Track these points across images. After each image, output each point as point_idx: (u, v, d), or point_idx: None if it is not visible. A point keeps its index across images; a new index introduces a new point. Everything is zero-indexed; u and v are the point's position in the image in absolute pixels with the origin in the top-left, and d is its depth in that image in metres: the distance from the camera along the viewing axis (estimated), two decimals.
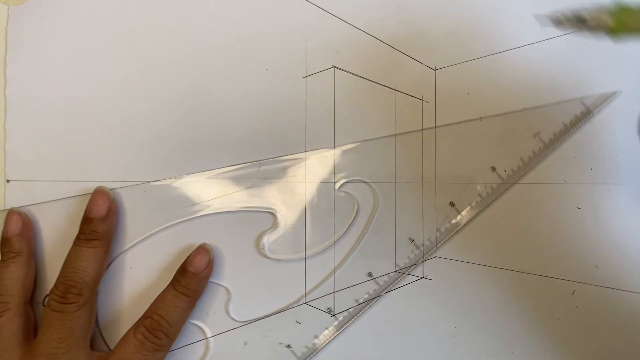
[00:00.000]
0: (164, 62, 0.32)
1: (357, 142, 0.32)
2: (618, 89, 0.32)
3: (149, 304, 0.30)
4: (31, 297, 0.31)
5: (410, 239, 0.32)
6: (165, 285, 0.30)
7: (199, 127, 0.32)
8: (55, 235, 0.31)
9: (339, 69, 0.32)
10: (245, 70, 0.32)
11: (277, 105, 0.32)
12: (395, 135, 0.32)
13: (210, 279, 0.31)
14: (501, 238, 0.32)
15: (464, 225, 0.32)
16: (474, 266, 0.32)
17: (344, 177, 0.32)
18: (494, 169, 0.32)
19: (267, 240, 0.32)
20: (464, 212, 0.32)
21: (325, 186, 0.32)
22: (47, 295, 0.30)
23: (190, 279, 0.30)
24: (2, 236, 0.30)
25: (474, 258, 0.32)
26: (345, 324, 0.32)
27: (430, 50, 0.32)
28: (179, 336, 0.30)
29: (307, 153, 0.32)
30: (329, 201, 0.32)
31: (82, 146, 0.32)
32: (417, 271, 0.32)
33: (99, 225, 0.30)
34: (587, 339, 0.32)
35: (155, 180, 0.32)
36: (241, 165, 0.32)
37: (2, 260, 0.30)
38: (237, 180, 0.32)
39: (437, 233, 0.32)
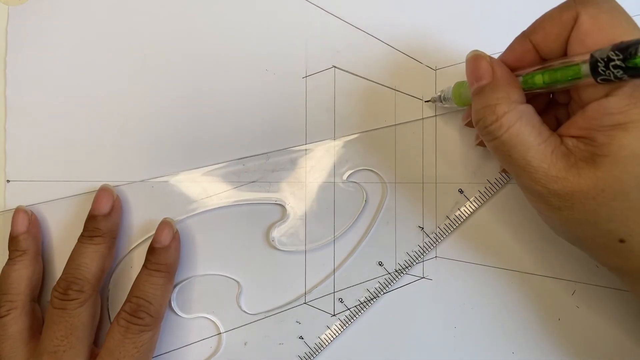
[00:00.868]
0: (164, 62, 0.32)
1: (362, 131, 0.32)
2: None
3: None
4: (39, 294, 0.31)
5: (419, 227, 0.32)
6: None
7: (200, 126, 0.32)
8: (64, 233, 0.31)
9: (339, 69, 0.32)
10: (245, 70, 0.32)
11: (277, 105, 0.32)
12: (396, 125, 0.32)
13: (221, 273, 0.31)
14: (501, 238, 0.32)
15: (474, 212, 0.32)
16: (474, 266, 0.32)
17: (351, 168, 0.32)
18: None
19: (276, 232, 0.32)
20: (472, 199, 0.32)
21: (333, 177, 0.32)
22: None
23: (159, 255, 0.30)
24: (10, 234, 0.30)
25: (474, 258, 0.32)
26: (352, 318, 0.32)
27: (430, 50, 0.32)
28: (191, 330, 0.31)
29: (315, 144, 0.32)
30: (337, 192, 0.32)
31: (82, 146, 0.32)
32: (417, 271, 0.32)
33: (102, 222, 0.30)
34: (587, 339, 0.32)
35: (161, 176, 0.32)
36: (248, 158, 0.32)
37: (9, 258, 0.30)
38: (244, 173, 0.32)
39: (447, 220, 0.32)
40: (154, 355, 0.30)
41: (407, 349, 0.32)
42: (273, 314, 0.32)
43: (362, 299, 0.32)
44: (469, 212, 0.32)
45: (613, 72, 0.20)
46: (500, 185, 0.32)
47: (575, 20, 0.22)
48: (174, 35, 0.32)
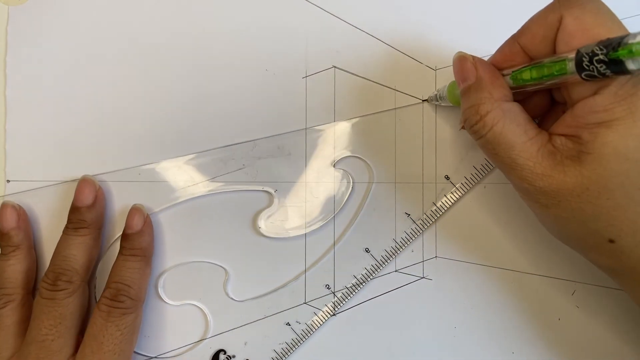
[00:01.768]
0: (164, 62, 0.32)
1: (349, 119, 0.32)
2: None
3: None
4: (33, 287, 0.31)
5: (406, 213, 0.32)
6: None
7: (199, 127, 0.32)
8: (51, 222, 0.31)
9: (339, 69, 0.32)
10: (245, 70, 0.32)
11: (277, 106, 0.32)
12: (385, 111, 0.32)
13: (208, 260, 0.32)
14: (501, 238, 0.32)
15: (460, 198, 0.32)
16: (474, 266, 0.32)
17: (339, 155, 0.32)
18: None
19: (263, 219, 0.32)
20: (458, 185, 0.32)
21: (320, 164, 0.32)
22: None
23: (133, 240, 0.30)
24: None
25: (474, 258, 0.32)
26: (343, 301, 0.32)
27: (430, 50, 0.32)
28: (179, 315, 0.31)
29: (302, 131, 0.32)
30: (323, 179, 0.32)
31: (82, 146, 0.32)
32: (417, 271, 0.32)
33: (87, 213, 0.30)
34: (587, 339, 0.32)
35: (147, 164, 0.32)
36: (236, 146, 0.32)
37: (2, 253, 0.30)
38: (231, 160, 0.32)
39: (433, 207, 0.32)
40: (137, 340, 0.30)
41: (407, 349, 0.32)
42: (261, 321, 0.32)
43: (348, 285, 0.32)
44: (455, 199, 0.32)
45: (597, 67, 0.20)
46: (486, 172, 0.32)
47: (560, 21, 0.23)
48: (174, 35, 0.32)
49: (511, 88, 0.25)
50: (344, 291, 0.32)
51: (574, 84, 0.23)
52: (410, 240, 0.32)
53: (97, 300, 0.29)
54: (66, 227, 0.30)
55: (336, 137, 0.32)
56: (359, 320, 0.32)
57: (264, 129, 0.32)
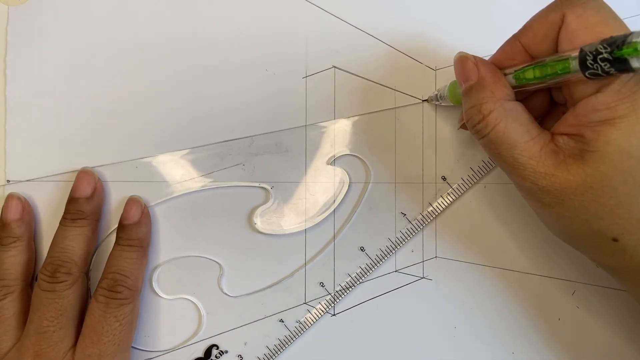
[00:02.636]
0: (164, 62, 0.32)
1: (348, 117, 0.32)
2: None
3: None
4: (31, 280, 0.31)
5: (402, 213, 0.32)
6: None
7: (198, 127, 0.32)
8: (50, 216, 0.31)
9: (339, 69, 0.32)
10: (245, 70, 0.32)
11: (277, 106, 0.32)
12: (384, 110, 0.32)
13: (203, 255, 0.32)
14: (501, 238, 0.32)
15: (456, 199, 0.32)
16: (474, 266, 0.32)
17: (336, 153, 0.32)
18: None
19: (259, 215, 0.32)
20: (455, 186, 0.32)
21: (317, 162, 0.32)
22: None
23: (130, 230, 0.30)
24: (1, 221, 0.30)
25: (474, 258, 0.32)
26: (337, 298, 0.32)
27: (430, 50, 0.32)
28: (171, 309, 0.31)
29: (300, 128, 0.32)
30: (320, 177, 0.32)
31: (82, 146, 0.32)
32: (417, 271, 0.32)
33: (85, 204, 0.30)
34: (587, 339, 0.32)
35: (145, 157, 0.32)
36: (233, 141, 0.32)
37: (2, 245, 0.30)
38: (228, 156, 0.32)
39: (430, 207, 0.32)
40: (135, 333, 0.31)
41: (407, 349, 0.32)
42: (260, 321, 0.32)
43: (343, 284, 0.32)
44: (451, 200, 0.32)
45: (601, 66, 0.20)
46: (484, 173, 0.32)
47: (562, 20, 0.23)
48: (174, 35, 0.32)
49: (513, 87, 0.25)
50: (338, 289, 0.32)
51: (576, 83, 0.23)
52: (406, 240, 0.32)
53: (90, 289, 0.29)
54: (63, 218, 0.30)
55: (335, 135, 0.32)
56: (358, 320, 0.32)
57: (263, 129, 0.32)
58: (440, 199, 0.32)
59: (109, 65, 0.32)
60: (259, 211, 0.32)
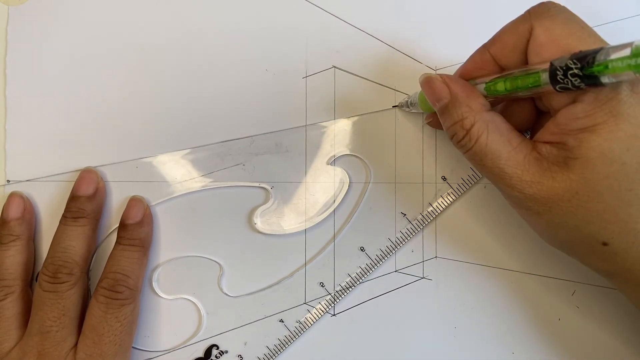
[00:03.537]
0: (164, 62, 0.32)
1: (349, 117, 0.32)
2: None
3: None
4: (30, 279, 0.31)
5: (402, 213, 0.32)
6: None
7: (198, 126, 0.32)
8: (49, 215, 0.31)
9: (339, 69, 0.32)
10: (245, 70, 0.32)
11: (277, 106, 0.32)
12: (384, 110, 0.32)
13: (203, 255, 0.32)
14: (501, 238, 0.32)
15: (456, 199, 0.32)
16: (474, 266, 0.32)
17: (337, 153, 0.32)
18: None
19: (259, 215, 0.32)
20: (455, 186, 0.32)
21: (318, 162, 0.32)
22: (38, 274, 0.30)
23: (132, 230, 0.30)
24: (2, 219, 0.30)
25: (474, 258, 0.32)
26: (337, 298, 0.32)
27: (430, 50, 0.32)
28: (171, 309, 0.31)
29: (299, 128, 0.32)
30: (320, 177, 0.32)
31: (82, 146, 0.32)
32: (417, 271, 0.32)
33: (86, 203, 0.30)
34: (587, 339, 0.32)
35: (145, 157, 0.32)
36: (233, 141, 0.32)
37: (2, 243, 0.30)
38: (228, 156, 0.32)
39: (430, 207, 0.32)
40: (135, 333, 0.30)
41: (407, 349, 0.32)
42: (260, 321, 0.32)
43: (343, 284, 0.32)
44: (451, 200, 0.32)
45: (571, 81, 0.21)
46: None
47: (531, 32, 0.23)
48: (174, 35, 0.32)
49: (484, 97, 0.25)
50: (338, 289, 0.32)
51: (552, 94, 0.23)
52: (406, 240, 0.32)
53: (89, 289, 0.29)
54: (64, 217, 0.30)
55: (335, 135, 0.32)
56: (358, 320, 0.32)
57: (264, 128, 0.32)
58: (440, 199, 0.32)
59: (109, 65, 0.32)
60: (259, 211, 0.32)
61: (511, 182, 0.23)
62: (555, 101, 0.23)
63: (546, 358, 0.32)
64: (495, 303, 0.32)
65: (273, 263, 0.32)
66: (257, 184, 0.32)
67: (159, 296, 0.32)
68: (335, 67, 0.32)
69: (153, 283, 0.32)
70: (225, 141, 0.32)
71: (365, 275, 0.32)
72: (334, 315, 0.32)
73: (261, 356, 0.32)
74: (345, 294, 0.32)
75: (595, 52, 0.20)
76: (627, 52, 0.19)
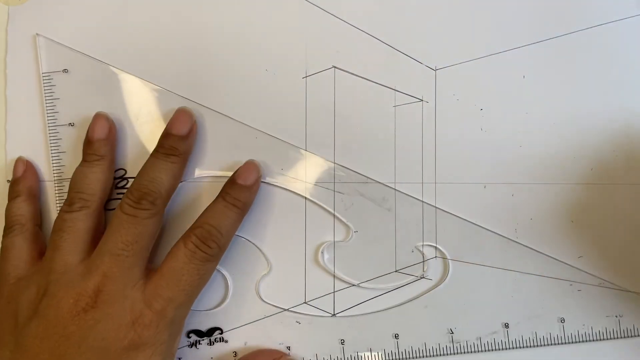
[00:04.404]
0: (164, 62, 0.32)
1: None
2: None
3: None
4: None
5: (450, 330, 0.32)
6: None
7: (199, 127, 0.32)
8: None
9: (339, 69, 0.32)
10: (245, 70, 0.32)
11: (277, 106, 0.32)
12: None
13: (262, 249, 0.32)
14: (501, 238, 0.32)
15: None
16: (474, 266, 0.32)
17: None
18: (562, 320, 0.32)
19: (325, 251, 0.32)
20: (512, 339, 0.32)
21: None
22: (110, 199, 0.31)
23: (239, 191, 0.30)
24: (87, 139, 0.30)
25: (474, 258, 0.32)
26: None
27: (430, 50, 0.32)
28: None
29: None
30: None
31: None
32: (417, 271, 0.32)
33: (179, 142, 0.30)
34: (587, 339, 0.32)
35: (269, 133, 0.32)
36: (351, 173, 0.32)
37: (85, 161, 0.30)
38: (338, 183, 0.32)
39: (477, 341, 0.32)
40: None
41: (407, 349, 0.32)
42: (260, 321, 0.32)
43: (360, 353, 0.32)
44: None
45: None
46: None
47: None
48: (174, 35, 0.32)
49: None
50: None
51: None
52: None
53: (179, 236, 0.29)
54: (156, 151, 0.30)
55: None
56: (359, 320, 0.32)
57: (264, 128, 0.32)
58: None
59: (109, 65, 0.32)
60: (327, 248, 0.32)
61: None
62: None
63: (546, 358, 0.32)
64: (495, 303, 0.32)
65: (319, 297, 0.32)
66: (344, 219, 0.32)
67: None
68: (335, 67, 0.32)
69: None
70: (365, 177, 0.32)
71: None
72: (334, 315, 0.32)
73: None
74: (345, 293, 0.32)
75: None
76: None
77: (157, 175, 0.29)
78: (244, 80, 0.32)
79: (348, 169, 0.32)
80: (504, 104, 0.32)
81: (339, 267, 0.32)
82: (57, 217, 0.29)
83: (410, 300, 0.32)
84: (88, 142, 0.30)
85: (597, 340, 0.32)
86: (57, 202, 0.31)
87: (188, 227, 0.29)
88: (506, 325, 0.32)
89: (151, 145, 0.31)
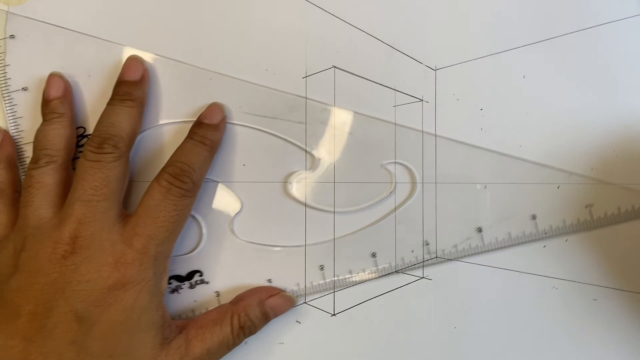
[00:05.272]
0: (164, 62, 0.32)
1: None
2: None
3: None
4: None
5: (426, 242, 0.32)
6: None
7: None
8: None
9: (339, 69, 0.32)
10: (245, 70, 0.32)
11: (277, 105, 0.32)
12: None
13: (231, 187, 0.32)
14: (501, 237, 0.32)
15: (481, 252, 0.32)
16: (474, 266, 0.32)
17: (391, 157, 0.32)
18: (534, 217, 0.32)
19: (295, 180, 0.32)
20: (487, 242, 0.32)
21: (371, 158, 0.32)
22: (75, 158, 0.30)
23: (207, 129, 0.30)
24: (44, 99, 0.30)
25: (474, 258, 0.32)
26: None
27: (430, 50, 0.32)
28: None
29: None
30: (369, 173, 0.32)
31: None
32: (417, 271, 0.32)
33: (133, 87, 0.30)
34: (587, 339, 0.32)
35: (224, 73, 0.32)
36: (309, 101, 0.32)
37: (45, 120, 0.30)
38: (296, 110, 0.32)
39: (453, 249, 0.32)
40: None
41: (407, 349, 0.32)
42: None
43: (341, 277, 0.32)
44: (477, 251, 0.32)
45: None
46: (522, 240, 0.32)
47: None
48: (174, 35, 0.32)
49: None
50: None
51: None
52: (416, 264, 0.32)
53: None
54: (112, 99, 0.30)
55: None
56: (359, 320, 0.32)
57: (263, 130, 0.32)
58: (467, 244, 0.32)
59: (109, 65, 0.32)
60: (297, 176, 0.31)
61: None
62: None
63: (546, 358, 0.32)
64: (495, 303, 0.32)
65: (291, 227, 0.32)
66: (309, 149, 0.32)
67: None
68: (335, 67, 0.32)
69: None
70: (299, 96, 0.32)
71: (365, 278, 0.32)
72: (334, 315, 0.32)
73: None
74: (345, 293, 0.32)
75: None
76: None
77: (115, 120, 0.29)
78: (244, 80, 0.32)
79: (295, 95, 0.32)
80: (504, 104, 0.32)
81: (309, 197, 0.32)
82: (25, 176, 0.28)
83: (384, 217, 0.32)
84: (45, 102, 0.30)
85: (570, 233, 0.32)
86: (21, 167, 0.31)
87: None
88: (479, 230, 0.32)
89: (107, 101, 0.30)
